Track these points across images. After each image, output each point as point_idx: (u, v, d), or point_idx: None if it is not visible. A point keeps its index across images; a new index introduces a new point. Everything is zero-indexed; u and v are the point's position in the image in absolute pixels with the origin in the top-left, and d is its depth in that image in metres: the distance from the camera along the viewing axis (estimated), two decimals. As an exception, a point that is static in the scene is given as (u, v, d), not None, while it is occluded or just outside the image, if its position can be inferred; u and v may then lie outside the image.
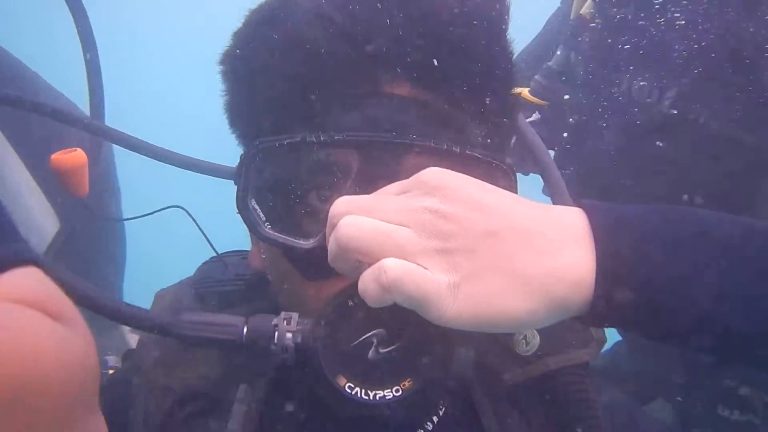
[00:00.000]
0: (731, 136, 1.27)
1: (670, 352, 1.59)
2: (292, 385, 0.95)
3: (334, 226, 0.74)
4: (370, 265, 0.71)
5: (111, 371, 1.27)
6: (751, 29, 1.22)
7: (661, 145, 1.41)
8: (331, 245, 0.74)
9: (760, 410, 1.47)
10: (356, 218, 0.73)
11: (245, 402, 0.93)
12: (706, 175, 1.34)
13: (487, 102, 0.88)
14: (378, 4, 0.84)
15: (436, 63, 0.85)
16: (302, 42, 0.85)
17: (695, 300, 0.72)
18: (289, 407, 0.95)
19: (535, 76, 1.60)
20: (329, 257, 0.75)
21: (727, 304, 0.72)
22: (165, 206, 1.39)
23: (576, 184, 1.57)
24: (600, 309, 0.72)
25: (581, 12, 1.52)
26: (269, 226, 0.86)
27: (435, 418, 0.94)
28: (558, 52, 1.58)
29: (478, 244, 0.72)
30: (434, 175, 0.76)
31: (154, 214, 1.44)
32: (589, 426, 0.93)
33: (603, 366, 1.73)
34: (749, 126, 1.26)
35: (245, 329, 0.83)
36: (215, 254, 1.13)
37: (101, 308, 0.84)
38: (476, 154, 0.84)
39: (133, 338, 2.79)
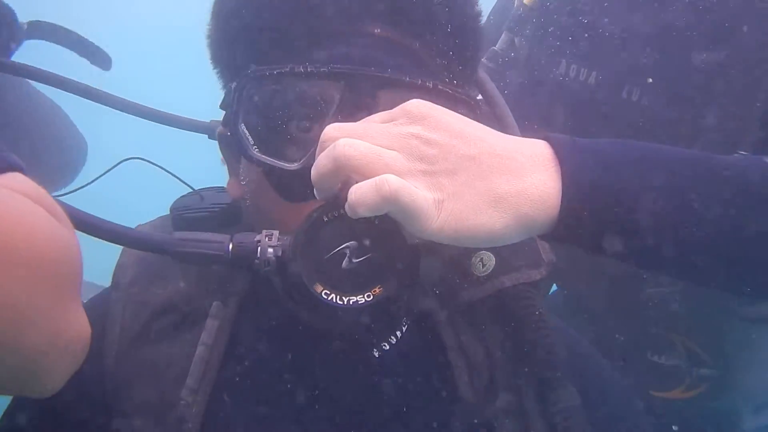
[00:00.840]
0: (659, 113, 1.43)
1: (601, 309, 1.75)
2: (263, 302, 1.04)
3: (324, 148, 0.85)
4: (357, 182, 0.82)
5: None
6: (671, 16, 1.38)
7: (597, 122, 1.56)
8: (323, 164, 0.84)
9: (684, 354, 1.66)
10: (352, 140, 0.84)
11: (218, 317, 1.03)
12: None
13: (456, 43, 1.01)
14: None
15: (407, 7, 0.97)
16: None
17: (642, 206, 0.87)
18: (261, 322, 1.05)
19: (482, 59, 1.73)
20: (315, 177, 0.86)
21: (663, 210, 0.87)
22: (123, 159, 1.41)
23: None
24: (564, 224, 0.86)
25: (525, 2, 1.67)
26: (257, 149, 0.96)
27: (398, 333, 1.06)
28: (502, 37, 1.72)
29: (458, 166, 0.84)
30: (418, 106, 0.87)
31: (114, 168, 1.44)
32: (541, 336, 1.06)
33: None
34: (676, 103, 1.42)
35: (230, 245, 0.93)
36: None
37: (97, 229, 0.94)
38: (447, 89, 0.97)
39: None
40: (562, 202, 0.86)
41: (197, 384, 1.01)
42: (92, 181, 1.53)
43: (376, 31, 0.98)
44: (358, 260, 0.89)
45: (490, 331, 1.08)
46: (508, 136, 0.90)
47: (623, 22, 1.47)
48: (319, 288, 0.88)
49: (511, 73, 1.72)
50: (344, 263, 0.88)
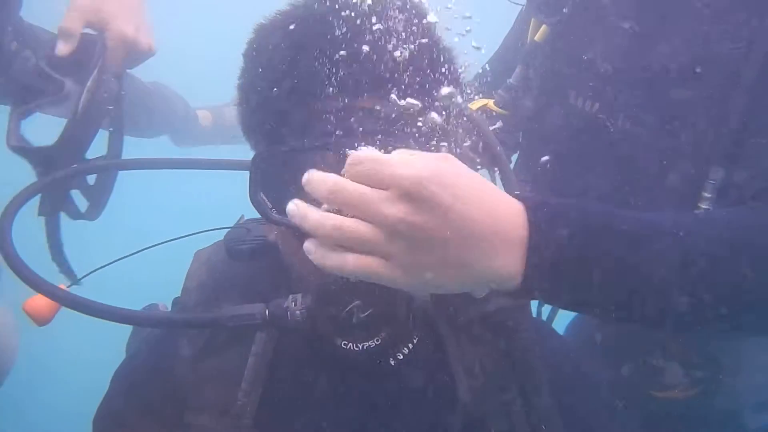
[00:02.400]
0: (642, 139, 1.62)
1: None
2: (293, 344, 1.27)
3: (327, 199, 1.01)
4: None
5: None
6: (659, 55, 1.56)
7: (598, 146, 1.74)
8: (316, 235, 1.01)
9: (678, 357, 1.83)
10: (339, 223, 0.98)
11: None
12: (632, 173, 1.68)
13: (436, 95, 1.14)
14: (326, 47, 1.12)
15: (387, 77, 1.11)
16: (278, 65, 1.15)
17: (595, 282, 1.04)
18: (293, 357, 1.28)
19: (498, 90, 1.93)
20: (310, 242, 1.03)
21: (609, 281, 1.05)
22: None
23: (527, 175, 1.92)
24: (523, 297, 1.08)
25: (535, 38, 1.85)
26: (275, 212, 1.12)
27: (410, 345, 1.25)
28: (517, 69, 1.91)
29: (436, 246, 0.98)
30: (416, 185, 0.96)
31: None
32: (526, 349, 1.26)
33: None
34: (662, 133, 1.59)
35: (267, 313, 1.16)
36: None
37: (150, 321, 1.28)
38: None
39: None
40: (521, 284, 1.03)
41: (250, 387, 1.25)
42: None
43: (364, 103, 1.13)
44: (364, 315, 1.11)
45: (484, 343, 1.29)
46: (490, 207, 1.00)
47: (616, 62, 1.65)
48: (338, 340, 1.13)
49: (525, 101, 1.91)
50: (354, 318, 1.11)
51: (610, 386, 1.56)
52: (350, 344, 1.13)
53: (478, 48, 1.38)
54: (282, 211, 1.08)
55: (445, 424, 1.27)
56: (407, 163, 0.98)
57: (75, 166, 1.77)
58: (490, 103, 1.94)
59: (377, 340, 1.13)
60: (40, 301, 1.32)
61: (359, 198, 0.97)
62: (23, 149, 1.78)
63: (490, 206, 1.01)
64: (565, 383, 1.34)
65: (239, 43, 1.29)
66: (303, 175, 1.02)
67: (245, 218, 1.42)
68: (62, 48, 1.82)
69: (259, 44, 1.24)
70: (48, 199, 1.86)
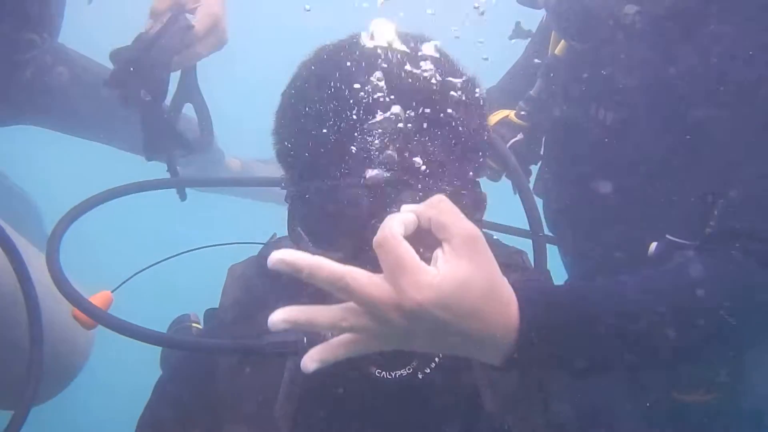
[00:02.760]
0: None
1: None
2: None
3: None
4: None
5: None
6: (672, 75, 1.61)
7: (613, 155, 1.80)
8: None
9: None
10: (346, 323, 1.05)
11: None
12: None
13: (464, 150, 1.22)
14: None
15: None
16: (318, 108, 1.20)
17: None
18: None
19: (520, 103, 1.99)
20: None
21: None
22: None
23: (553, 183, 1.98)
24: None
25: (555, 52, 1.91)
26: (311, 243, 1.21)
27: (437, 359, 1.30)
28: (538, 83, 1.97)
29: (428, 341, 1.08)
30: (416, 308, 1.01)
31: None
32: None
33: None
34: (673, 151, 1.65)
35: (305, 340, 1.21)
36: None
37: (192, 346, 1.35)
38: (453, 189, 1.19)
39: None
40: (503, 366, 1.13)
41: (286, 399, 1.32)
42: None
43: (393, 154, 1.16)
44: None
45: None
46: (484, 312, 1.07)
47: (627, 77, 1.70)
48: (373, 369, 1.22)
49: (553, 110, 1.97)
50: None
51: (633, 389, 1.62)
52: (384, 372, 1.22)
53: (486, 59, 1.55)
54: (317, 242, 1.18)
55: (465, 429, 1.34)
56: (418, 285, 1.02)
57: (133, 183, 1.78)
58: (511, 114, 2.01)
59: (409, 369, 1.22)
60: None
61: (369, 299, 1.03)
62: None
63: (487, 321, 1.08)
64: (583, 388, 1.39)
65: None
66: (335, 208, 1.15)
67: (277, 236, 1.49)
68: (150, 26, 1.90)
69: (301, 84, 1.28)
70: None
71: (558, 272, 1.92)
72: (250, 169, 3.72)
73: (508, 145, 1.98)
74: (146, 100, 1.82)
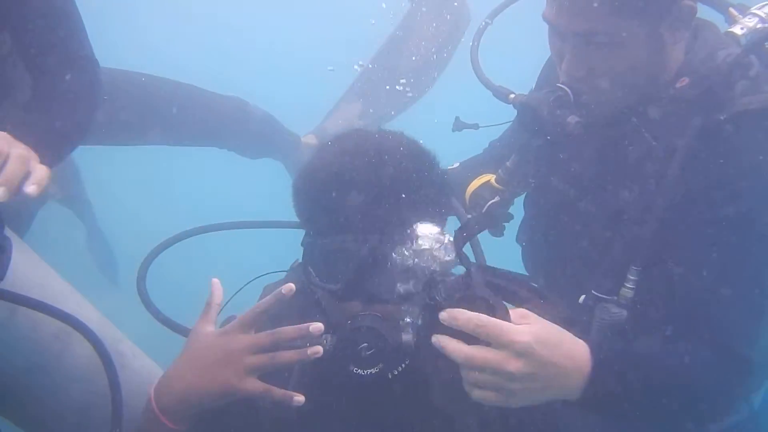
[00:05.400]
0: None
1: None
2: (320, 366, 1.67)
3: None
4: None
5: None
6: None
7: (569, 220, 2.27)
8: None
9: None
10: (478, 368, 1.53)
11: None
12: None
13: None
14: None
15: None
16: (325, 194, 1.60)
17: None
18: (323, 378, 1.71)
19: (499, 171, 2.46)
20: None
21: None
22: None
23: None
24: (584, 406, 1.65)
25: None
26: (318, 279, 1.65)
27: (403, 364, 1.69)
28: (513, 157, 2.44)
29: (530, 381, 1.54)
30: (525, 348, 1.50)
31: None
32: None
33: None
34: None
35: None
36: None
37: None
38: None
39: None
40: (582, 393, 1.61)
41: (297, 385, 1.71)
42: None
43: (381, 212, 1.57)
44: (368, 352, 1.60)
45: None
46: (569, 349, 1.60)
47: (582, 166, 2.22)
48: (353, 367, 1.64)
49: (528, 178, 2.44)
50: (363, 354, 1.59)
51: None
52: (359, 370, 1.62)
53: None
54: (322, 278, 1.65)
55: (425, 419, 1.73)
56: (519, 331, 1.52)
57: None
58: (492, 179, 2.48)
59: (376, 369, 1.61)
60: None
61: (485, 358, 1.52)
62: None
63: (568, 350, 1.60)
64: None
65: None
66: (333, 256, 1.62)
67: (298, 261, 1.84)
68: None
69: (311, 170, 1.68)
70: None
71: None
72: (326, 132, 4.05)
73: (487, 205, 2.44)
74: None
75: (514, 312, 1.56)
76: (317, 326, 1.54)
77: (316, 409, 1.71)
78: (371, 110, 4.43)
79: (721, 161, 1.89)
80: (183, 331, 1.86)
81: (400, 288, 1.58)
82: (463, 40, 4.57)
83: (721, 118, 1.89)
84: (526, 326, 1.53)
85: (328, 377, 1.71)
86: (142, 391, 1.74)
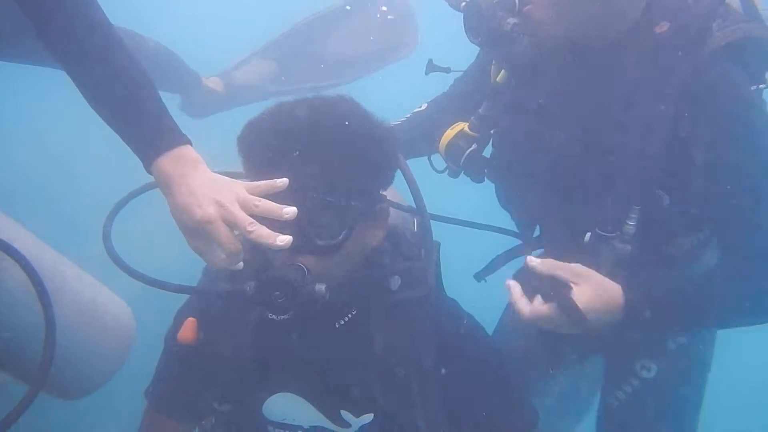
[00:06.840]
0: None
1: None
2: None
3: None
4: None
5: None
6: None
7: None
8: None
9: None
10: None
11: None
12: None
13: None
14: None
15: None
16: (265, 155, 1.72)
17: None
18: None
19: (471, 118, 2.45)
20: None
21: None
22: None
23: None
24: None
25: (497, 80, 2.37)
26: None
27: (349, 315, 1.88)
28: (485, 104, 2.42)
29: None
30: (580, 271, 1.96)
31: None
32: (419, 328, 1.87)
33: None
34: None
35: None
36: None
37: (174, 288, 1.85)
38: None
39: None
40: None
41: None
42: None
43: (319, 169, 1.69)
44: (280, 300, 1.69)
45: (397, 320, 1.87)
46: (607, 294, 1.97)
47: (559, 106, 2.20)
48: (267, 313, 1.75)
49: (493, 126, 2.43)
50: (275, 301, 1.69)
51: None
52: (273, 316, 1.74)
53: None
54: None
55: (367, 367, 1.87)
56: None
57: None
58: (465, 126, 2.47)
59: (287, 316, 1.72)
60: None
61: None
62: None
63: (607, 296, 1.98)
64: (456, 356, 1.90)
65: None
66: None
67: None
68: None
69: (258, 125, 1.77)
70: None
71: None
72: (231, 80, 3.99)
73: (466, 153, 2.45)
74: None
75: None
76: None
77: (266, 354, 1.90)
78: (283, 78, 4.31)
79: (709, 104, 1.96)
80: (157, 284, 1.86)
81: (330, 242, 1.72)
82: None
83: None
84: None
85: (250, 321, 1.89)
86: (84, 309, 1.78)
